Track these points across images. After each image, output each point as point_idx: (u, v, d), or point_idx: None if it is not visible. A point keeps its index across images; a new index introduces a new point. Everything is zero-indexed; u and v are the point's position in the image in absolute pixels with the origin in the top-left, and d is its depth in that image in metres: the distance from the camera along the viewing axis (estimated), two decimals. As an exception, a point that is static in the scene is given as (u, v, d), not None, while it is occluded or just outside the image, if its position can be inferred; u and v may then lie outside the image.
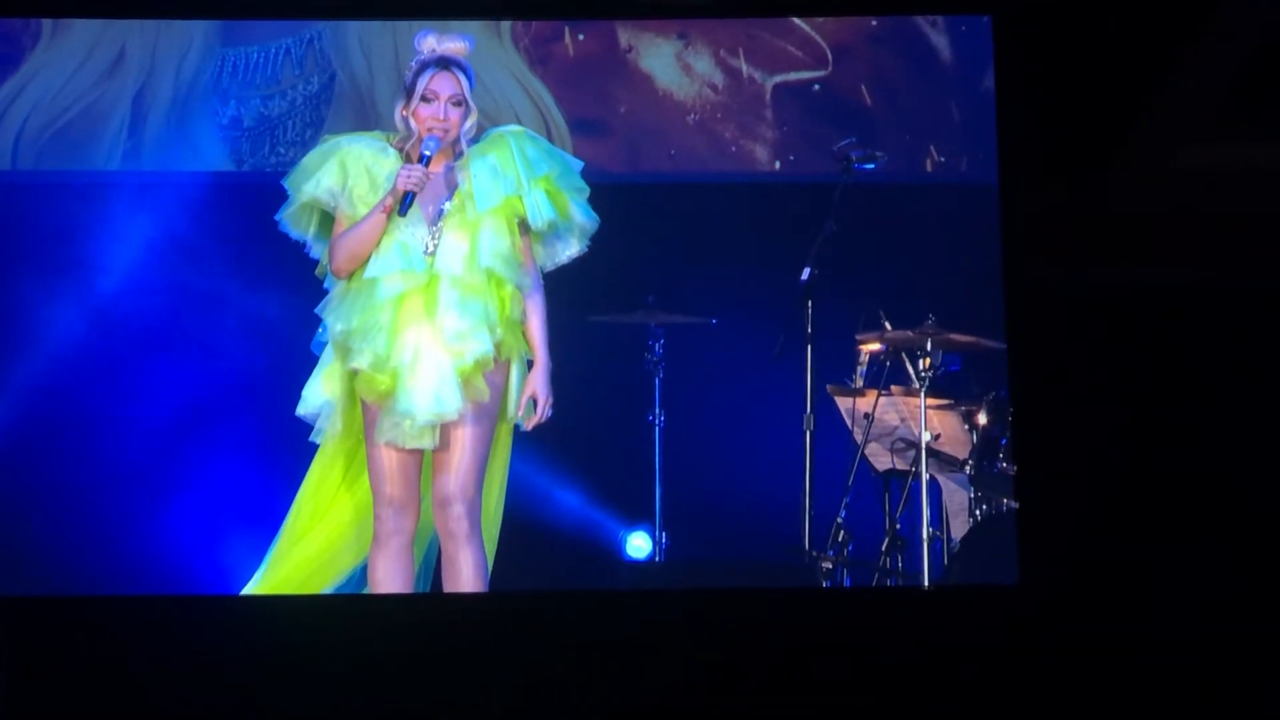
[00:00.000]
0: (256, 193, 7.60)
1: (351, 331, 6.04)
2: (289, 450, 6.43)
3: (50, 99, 7.89)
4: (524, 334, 6.13)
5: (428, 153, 6.04)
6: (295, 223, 6.21)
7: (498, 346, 6.06)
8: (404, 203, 6.01)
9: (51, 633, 6.01)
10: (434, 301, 6.04)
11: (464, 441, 6.04)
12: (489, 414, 6.08)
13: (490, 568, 6.14)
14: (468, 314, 6.03)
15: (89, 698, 5.90)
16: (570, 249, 6.21)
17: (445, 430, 6.04)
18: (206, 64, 7.97)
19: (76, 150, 7.90)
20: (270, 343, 7.56)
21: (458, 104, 6.11)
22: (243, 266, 7.71)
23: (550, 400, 6.11)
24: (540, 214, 6.09)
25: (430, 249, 6.08)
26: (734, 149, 8.08)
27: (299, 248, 6.27)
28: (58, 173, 7.89)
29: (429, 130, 6.08)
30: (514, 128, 6.24)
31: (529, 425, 6.13)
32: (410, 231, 6.07)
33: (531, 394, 6.10)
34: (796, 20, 8.02)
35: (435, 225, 6.09)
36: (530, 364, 6.15)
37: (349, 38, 8.01)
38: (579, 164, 6.24)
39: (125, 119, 7.93)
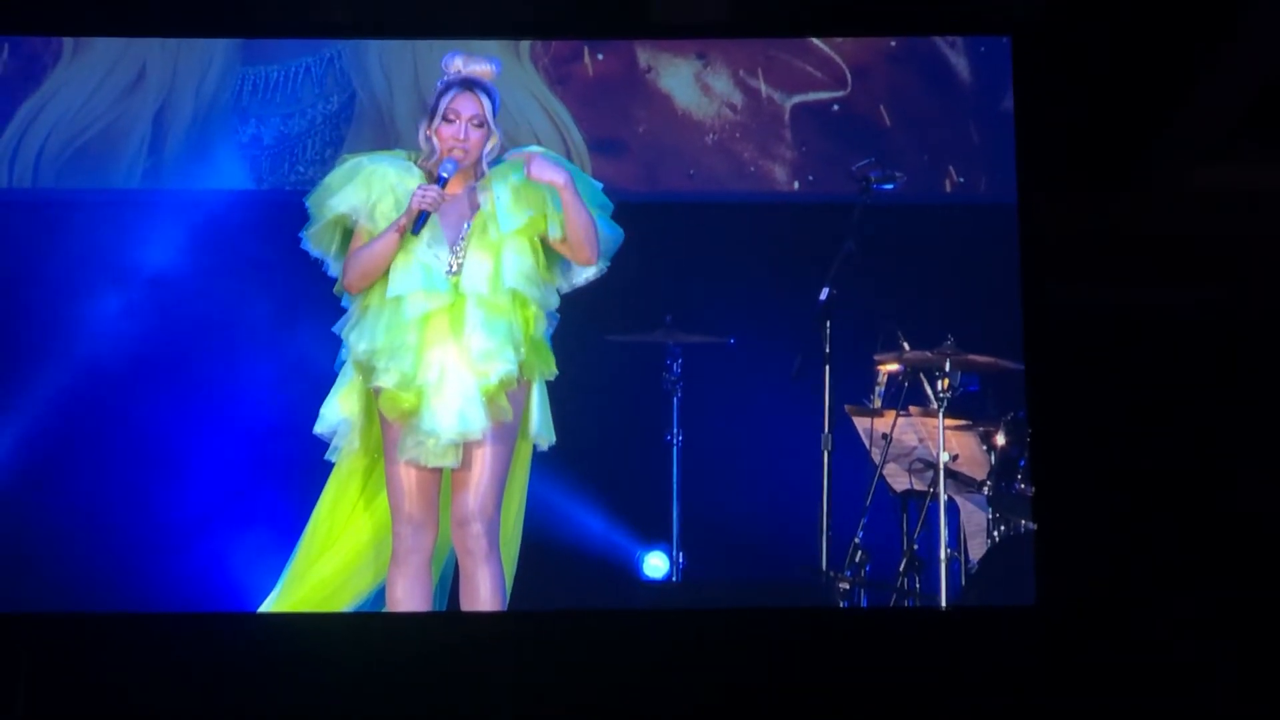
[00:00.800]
0: (276, 211, 7.62)
1: (377, 351, 6.04)
2: (306, 467, 6.44)
3: (71, 117, 7.92)
4: (548, 348, 6.14)
5: (445, 174, 6.06)
6: (318, 241, 6.22)
7: (520, 366, 6.07)
8: (418, 222, 6.02)
9: (67, 649, 6.02)
10: (460, 321, 6.05)
11: (484, 460, 6.05)
12: (510, 433, 6.09)
13: (509, 587, 6.15)
14: (493, 334, 6.04)
15: (105, 715, 5.91)
16: (589, 271, 6.22)
17: (466, 449, 6.04)
18: (227, 83, 7.99)
19: (97, 168, 7.92)
20: (288, 360, 7.57)
21: (479, 125, 6.11)
22: (262, 284, 7.72)
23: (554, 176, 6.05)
24: (563, 231, 6.09)
25: (453, 269, 6.09)
26: (753, 169, 8.09)
27: (318, 266, 6.28)
28: (78, 191, 7.91)
29: (449, 150, 6.09)
30: (534, 148, 6.25)
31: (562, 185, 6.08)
32: (432, 252, 6.08)
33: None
34: (815, 41, 8.03)
35: (457, 245, 6.10)
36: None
37: (369, 57, 8.03)
38: (599, 185, 6.25)
39: (145, 137, 7.95)
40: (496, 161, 6.17)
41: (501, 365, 6.03)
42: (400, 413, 6.03)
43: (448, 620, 6.14)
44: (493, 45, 7.75)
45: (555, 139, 7.96)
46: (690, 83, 8.11)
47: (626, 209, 6.36)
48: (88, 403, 7.76)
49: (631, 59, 8.11)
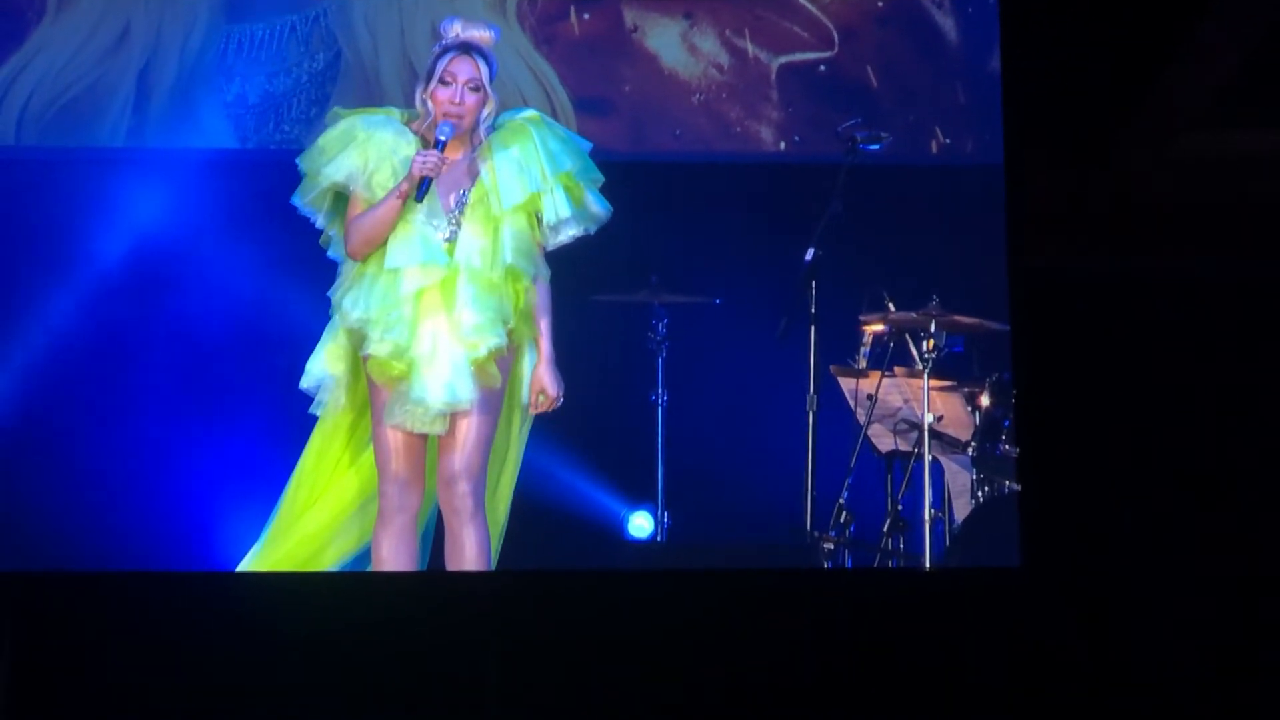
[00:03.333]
0: (261, 170, 7.60)
1: (371, 321, 6.04)
2: (287, 423, 6.44)
3: (55, 75, 7.89)
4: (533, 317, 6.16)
5: (442, 138, 6.04)
6: (310, 203, 6.20)
7: (510, 334, 6.08)
8: (421, 188, 6.01)
9: (47, 608, 6.01)
10: (452, 295, 6.04)
11: (472, 421, 6.06)
12: (497, 394, 6.10)
13: (498, 548, 6.16)
14: (484, 309, 6.04)
15: (86, 675, 5.91)
16: (574, 230, 6.22)
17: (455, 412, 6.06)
18: (211, 41, 7.96)
19: (81, 126, 7.90)
20: (271, 317, 7.56)
21: (475, 89, 6.09)
22: (246, 243, 7.71)
23: (560, 392, 6.14)
24: (557, 213, 6.10)
25: (449, 236, 6.07)
26: (739, 129, 8.08)
27: (303, 224, 6.27)
28: (62, 149, 7.89)
29: (445, 114, 6.07)
30: (530, 113, 6.21)
31: (535, 410, 6.19)
32: (430, 221, 6.06)
33: (540, 389, 6.13)
34: (802, 1, 8.01)
35: (454, 213, 6.09)
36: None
37: (354, 15, 8.00)
38: (588, 145, 6.24)
39: (130, 95, 7.92)
40: (493, 128, 6.15)
41: (492, 339, 6.04)
42: (389, 379, 6.03)
43: (433, 579, 6.14)
44: (479, 4, 7.73)
45: (541, 98, 7.94)
46: (677, 42, 8.09)
47: (612, 169, 6.35)
48: (69, 360, 7.75)
49: (618, 18, 8.09)
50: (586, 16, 8.07)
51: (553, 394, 6.13)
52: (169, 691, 5.86)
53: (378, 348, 6.02)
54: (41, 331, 7.77)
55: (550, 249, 6.23)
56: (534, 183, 6.08)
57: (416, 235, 6.04)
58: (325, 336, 6.19)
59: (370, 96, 7.81)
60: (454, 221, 6.08)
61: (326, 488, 6.25)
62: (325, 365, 6.16)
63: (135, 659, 5.89)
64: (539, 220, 6.13)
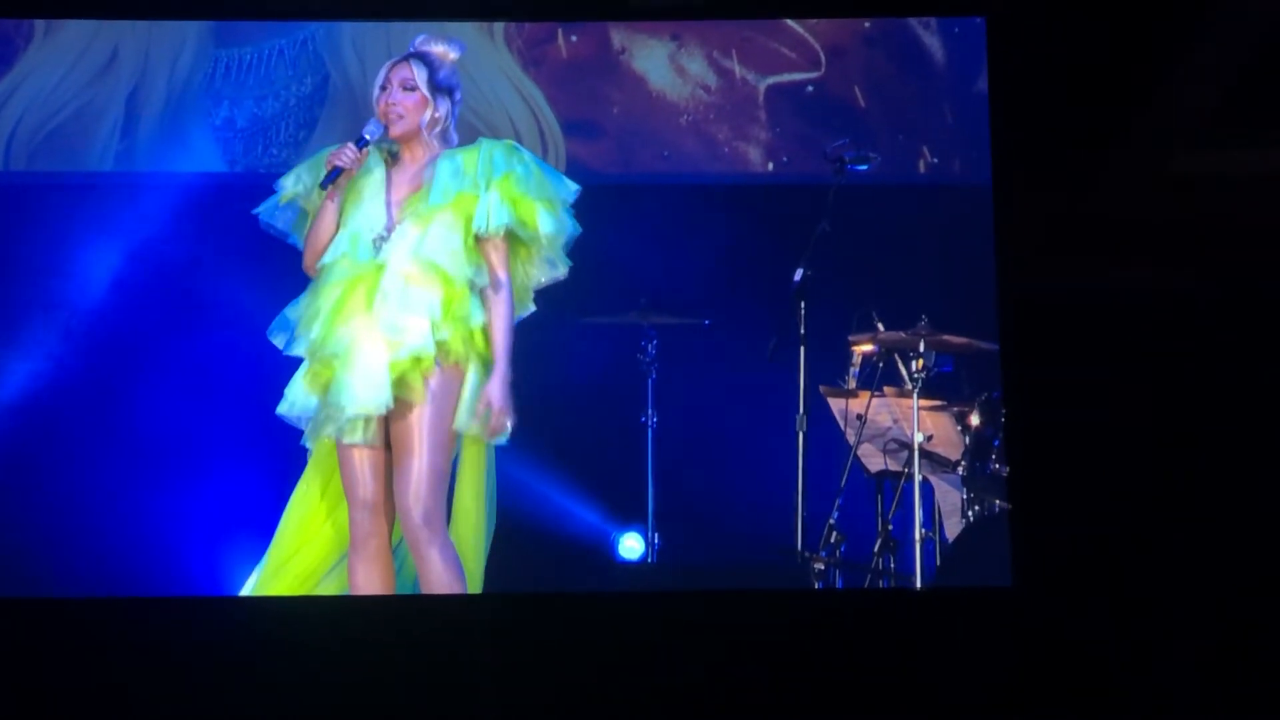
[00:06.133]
0: (250, 194, 7.58)
1: (301, 319, 6.04)
2: (282, 452, 6.43)
3: (43, 100, 7.89)
4: (485, 337, 6.03)
5: (367, 135, 6.02)
6: (270, 216, 6.20)
7: (442, 346, 5.95)
8: (329, 175, 5.99)
9: (42, 634, 6.01)
10: (373, 291, 5.95)
11: (417, 449, 5.92)
12: (444, 419, 5.95)
13: (481, 577, 6.08)
14: (407, 306, 5.93)
15: (79, 699, 5.90)
16: (552, 269, 6.11)
17: (398, 435, 5.94)
18: (200, 65, 7.96)
19: (69, 151, 7.90)
20: (262, 343, 7.55)
21: (409, 89, 6.07)
22: (235, 268, 7.70)
23: (507, 411, 5.96)
24: (488, 218, 5.99)
25: (384, 239, 6.03)
26: (727, 150, 8.08)
27: (291, 249, 6.27)
28: (50, 174, 7.89)
29: (383, 117, 6.07)
30: (501, 140, 6.18)
31: (486, 437, 6.00)
32: (365, 223, 6.03)
33: (485, 403, 5.97)
34: (790, 22, 8.02)
35: (394, 221, 6.05)
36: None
37: (342, 39, 8.00)
38: (561, 178, 6.14)
39: (118, 120, 7.92)
40: (470, 144, 6.14)
41: (414, 339, 5.91)
42: (321, 387, 6.00)
43: (419, 603, 6.12)
44: (467, 27, 7.73)
45: (529, 121, 7.95)
46: (664, 64, 8.10)
47: (600, 191, 6.35)
48: (61, 387, 7.74)
49: (605, 41, 8.10)
50: (574, 39, 8.08)
51: (497, 407, 5.93)
52: (156, 713, 5.85)
53: (298, 346, 6.00)
54: (32, 358, 7.76)
55: (539, 287, 6.18)
56: (465, 184, 6.01)
57: (346, 234, 6.02)
58: (302, 364, 6.16)
59: (358, 121, 7.73)
60: (392, 226, 6.04)
61: (308, 529, 6.12)
62: (302, 390, 6.09)
63: (131, 684, 5.89)
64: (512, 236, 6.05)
